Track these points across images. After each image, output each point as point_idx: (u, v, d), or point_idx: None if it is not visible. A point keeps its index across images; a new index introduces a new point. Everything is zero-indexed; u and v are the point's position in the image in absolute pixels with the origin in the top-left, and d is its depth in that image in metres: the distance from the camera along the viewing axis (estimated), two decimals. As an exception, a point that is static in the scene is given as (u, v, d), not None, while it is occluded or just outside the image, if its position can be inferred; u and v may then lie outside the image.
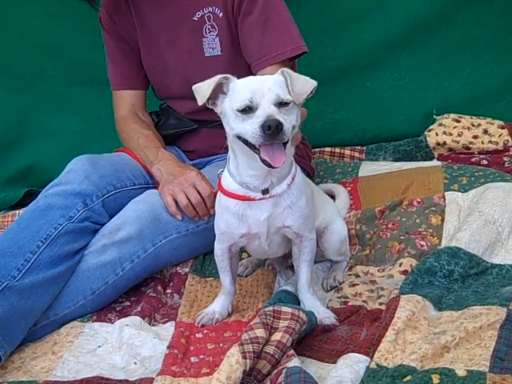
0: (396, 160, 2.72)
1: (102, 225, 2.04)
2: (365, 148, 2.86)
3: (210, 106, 1.67)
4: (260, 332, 1.53)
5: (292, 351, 1.53)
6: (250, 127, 1.53)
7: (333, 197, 2.34)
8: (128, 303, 2.02)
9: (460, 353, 1.52)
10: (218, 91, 1.64)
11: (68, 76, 3.01)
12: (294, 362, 1.48)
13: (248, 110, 1.55)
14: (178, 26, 2.24)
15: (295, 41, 2.15)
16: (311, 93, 1.64)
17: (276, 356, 1.51)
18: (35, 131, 3.08)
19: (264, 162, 1.56)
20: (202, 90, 1.63)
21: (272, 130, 1.50)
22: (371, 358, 1.53)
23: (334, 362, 1.55)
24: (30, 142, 3.10)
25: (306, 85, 1.63)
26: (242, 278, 2.10)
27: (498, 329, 1.58)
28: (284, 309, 1.62)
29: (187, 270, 2.13)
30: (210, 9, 2.18)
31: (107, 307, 1.99)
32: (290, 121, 1.57)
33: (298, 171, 1.76)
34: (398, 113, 2.93)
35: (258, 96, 1.55)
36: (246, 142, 1.59)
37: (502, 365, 1.45)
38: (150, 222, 2.01)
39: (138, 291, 2.07)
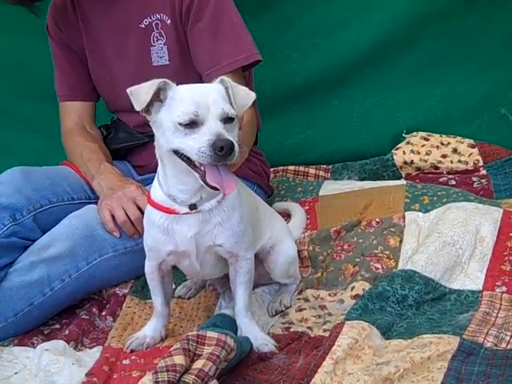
0: (362, 179, 2.57)
1: (34, 241, 1.90)
2: (330, 167, 2.71)
3: (143, 114, 1.51)
4: (179, 359, 1.38)
5: (215, 381, 1.38)
6: (195, 144, 1.40)
7: (289, 216, 2.21)
8: (58, 326, 1.88)
9: (404, 386, 1.37)
10: (154, 98, 1.48)
11: (23, 91, 2.88)
12: (216, 392, 1.33)
13: (191, 124, 1.42)
14: (125, 34, 2.12)
15: (248, 48, 2.04)
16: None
17: (196, 386, 1.35)
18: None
19: (212, 187, 1.43)
20: (140, 95, 1.47)
21: (225, 151, 1.38)
22: (304, 390, 1.38)
23: (268, 395, 1.40)
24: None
25: (246, 97, 1.53)
26: (185, 301, 1.96)
27: (448, 360, 1.44)
28: (210, 334, 1.46)
29: (126, 290, 1.99)
30: (158, 16, 2.07)
31: (34, 330, 1.84)
32: (234, 138, 1.44)
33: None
34: (367, 133, 2.78)
35: (203, 109, 1.42)
36: (183, 157, 1.45)
37: (448, 400, 1.31)
38: (83, 239, 1.87)
39: (72, 313, 1.93)
